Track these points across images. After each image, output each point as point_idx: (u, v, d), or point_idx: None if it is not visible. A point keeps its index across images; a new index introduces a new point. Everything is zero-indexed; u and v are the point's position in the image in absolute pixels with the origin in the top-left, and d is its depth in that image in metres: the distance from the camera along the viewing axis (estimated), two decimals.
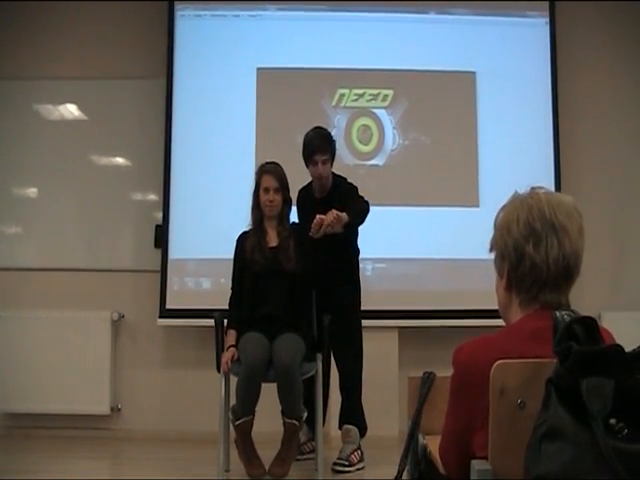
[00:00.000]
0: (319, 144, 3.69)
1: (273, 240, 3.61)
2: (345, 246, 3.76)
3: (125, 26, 4.79)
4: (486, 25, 4.70)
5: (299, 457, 3.66)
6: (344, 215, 3.43)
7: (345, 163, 4.52)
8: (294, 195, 3.76)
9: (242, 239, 3.64)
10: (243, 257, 3.59)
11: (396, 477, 1.77)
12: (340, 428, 3.77)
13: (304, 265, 3.56)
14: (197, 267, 4.51)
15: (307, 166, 3.74)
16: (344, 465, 3.62)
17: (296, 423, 3.38)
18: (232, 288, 3.63)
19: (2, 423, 4.50)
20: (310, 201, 3.79)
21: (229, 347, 3.45)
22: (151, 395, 4.58)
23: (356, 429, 3.72)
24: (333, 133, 4.05)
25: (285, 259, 3.54)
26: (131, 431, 4.49)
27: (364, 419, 3.77)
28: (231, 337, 3.49)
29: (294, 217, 3.79)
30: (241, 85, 4.63)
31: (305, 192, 3.90)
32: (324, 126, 4.55)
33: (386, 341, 4.36)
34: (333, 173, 3.82)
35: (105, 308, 4.54)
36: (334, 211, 3.40)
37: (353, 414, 3.75)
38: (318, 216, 3.41)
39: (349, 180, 3.85)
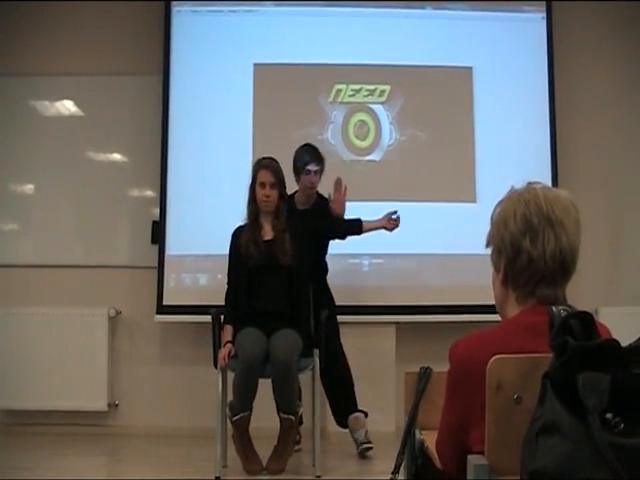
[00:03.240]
0: (314, 155, 3.85)
1: (268, 234, 3.61)
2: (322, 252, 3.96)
3: (121, 22, 4.77)
4: (483, 20, 4.69)
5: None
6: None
7: (342, 159, 4.53)
8: (290, 191, 3.76)
9: (237, 234, 3.64)
10: (238, 252, 3.58)
11: (393, 472, 1.78)
12: (343, 422, 3.85)
13: (300, 259, 3.57)
14: (194, 263, 4.50)
15: (297, 177, 3.85)
16: (370, 447, 3.74)
17: (292, 418, 3.39)
18: (228, 283, 3.63)
19: None
20: (291, 213, 3.80)
21: (226, 343, 3.45)
22: (148, 391, 4.57)
23: (363, 414, 3.84)
24: (330, 128, 4.07)
25: (280, 252, 3.54)
26: (128, 427, 4.48)
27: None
28: (228, 333, 3.49)
29: None
30: (238, 81, 4.61)
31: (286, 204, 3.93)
32: (321, 121, 4.58)
33: (383, 336, 4.37)
34: None
35: (102, 304, 4.53)
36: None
37: (355, 402, 3.87)
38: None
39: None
